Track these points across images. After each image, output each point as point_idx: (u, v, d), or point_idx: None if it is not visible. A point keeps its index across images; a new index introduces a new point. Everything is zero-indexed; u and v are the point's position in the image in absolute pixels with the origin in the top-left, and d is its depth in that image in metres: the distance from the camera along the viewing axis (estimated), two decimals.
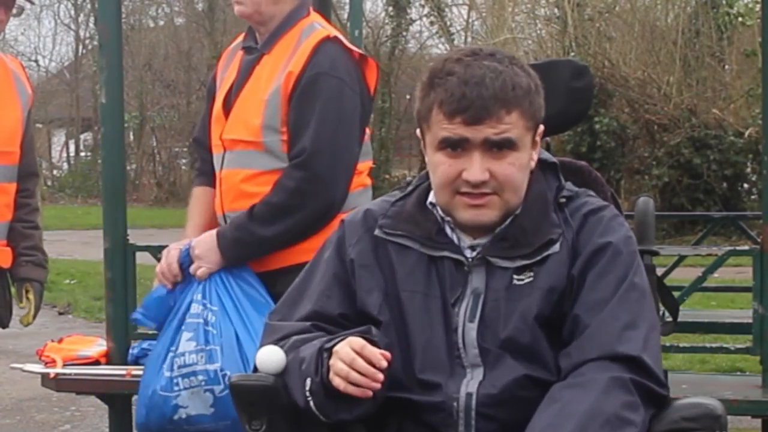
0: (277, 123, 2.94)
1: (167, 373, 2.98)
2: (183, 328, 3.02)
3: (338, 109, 2.92)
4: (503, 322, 1.94)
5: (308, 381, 1.92)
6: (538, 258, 1.96)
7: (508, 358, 1.93)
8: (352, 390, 1.87)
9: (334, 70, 2.92)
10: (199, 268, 3.01)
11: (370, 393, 1.88)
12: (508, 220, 2.00)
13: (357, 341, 1.88)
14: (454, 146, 1.94)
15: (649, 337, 1.91)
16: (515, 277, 1.97)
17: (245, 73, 3.05)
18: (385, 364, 1.87)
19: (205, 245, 3.00)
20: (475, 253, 2.00)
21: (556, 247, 1.96)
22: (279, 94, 2.93)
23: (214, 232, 3.02)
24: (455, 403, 1.93)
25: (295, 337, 2.01)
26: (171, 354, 3.00)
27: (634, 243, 2.00)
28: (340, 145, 2.92)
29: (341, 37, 3.01)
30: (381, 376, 1.86)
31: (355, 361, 1.85)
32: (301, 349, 1.97)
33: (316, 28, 3.00)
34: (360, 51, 3.06)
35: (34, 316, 3.70)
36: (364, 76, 3.01)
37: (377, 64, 3.12)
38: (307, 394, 1.92)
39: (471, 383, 1.94)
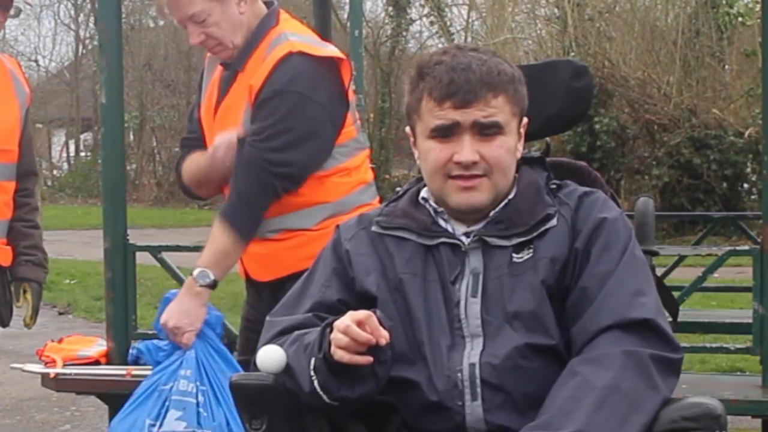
0: None
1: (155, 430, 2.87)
2: (169, 404, 2.91)
3: (296, 123, 2.89)
4: (509, 295, 1.98)
5: (312, 360, 1.93)
6: (536, 234, 2.01)
7: (508, 329, 1.96)
8: (349, 359, 1.87)
9: (292, 85, 2.88)
10: (183, 335, 2.94)
11: (369, 359, 1.88)
12: (502, 204, 2.05)
13: (360, 312, 1.90)
14: (446, 132, 2.00)
15: (658, 302, 1.98)
16: (514, 255, 2.01)
17: (224, 91, 3.04)
18: (383, 341, 1.88)
19: (177, 306, 2.94)
20: (470, 239, 2.04)
21: (554, 222, 2.02)
22: (249, 111, 2.94)
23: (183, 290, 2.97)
24: (459, 374, 1.95)
25: (297, 332, 2.03)
26: (152, 428, 2.88)
27: (628, 221, 2.07)
28: (281, 152, 2.90)
29: (306, 47, 2.93)
30: (373, 340, 1.86)
31: (349, 327, 1.87)
32: (305, 336, 1.99)
33: (282, 41, 2.94)
34: (331, 53, 2.98)
35: (32, 317, 3.69)
36: (338, 77, 2.96)
37: (350, 63, 3.07)
38: (311, 373, 1.92)
39: (472, 353, 1.96)
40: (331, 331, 1.92)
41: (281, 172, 2.89)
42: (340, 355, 1.88)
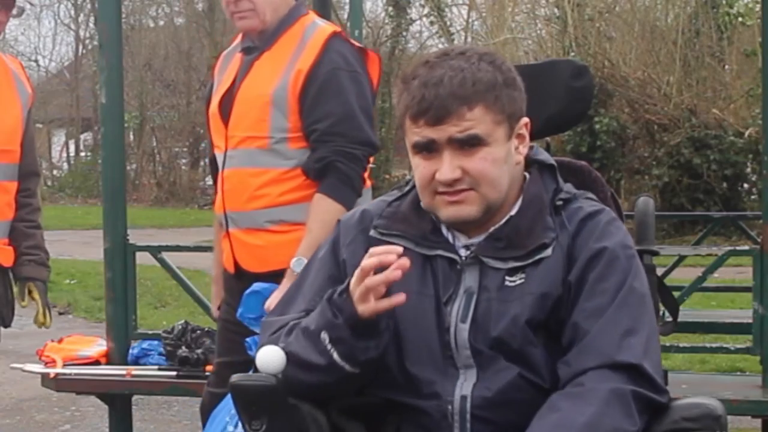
0: (284, 120, 2.94)
1: (230, 428, 2.83)
2: None
3: (361, 102, 2.96)
4: (494, 322, 1.93)
5: (324, 336, 1.91)
6: (530, 261, 1.95)
7: (501, 360, 1.92)
8: (388, 303, 1.86)
9: (349, 64, 2.95)
10: None
11: (403, 297, 1.87)
12: (503, 220, 2.00)
13: (364, 263, 1.87)
14: (426, 148, 1.95)
15: (649, 342, 1.90)
16: (507, 278, 1.95)
17: (245, 72, 3.04)
18: (397, 252, 1.86)
19: (279, 293, 2.84)
20: (468, 252, 2.00)
21: (548, 252, 1.95)
22: (286, 91, 2.93)
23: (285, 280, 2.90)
24: (450, 407, 1.92)
25: (292, 321, 2.02)
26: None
27: (631, 246, 1.98)
28: (363, 131, 2.96)
29: (343, 34, 3.04)
30: (394, 261, 1.84)
31: (367, 275, 1.85)
32: (302, 321, 1.97)
33: (319, 25, 3.03)
34: (362, 45, 3.10)
35: (44, 314, 3.69)
36: (367, 69, 3.05)
37: (379, 57, 3.13)
38: (329, 347, 1.90)
39: (465, 385, 1.93)
40: (348, 296, 1.89)
41: (365, 149, 2.95)
42: (372, 307, 1.86)
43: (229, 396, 2.86)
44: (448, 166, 1.92)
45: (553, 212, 2.00)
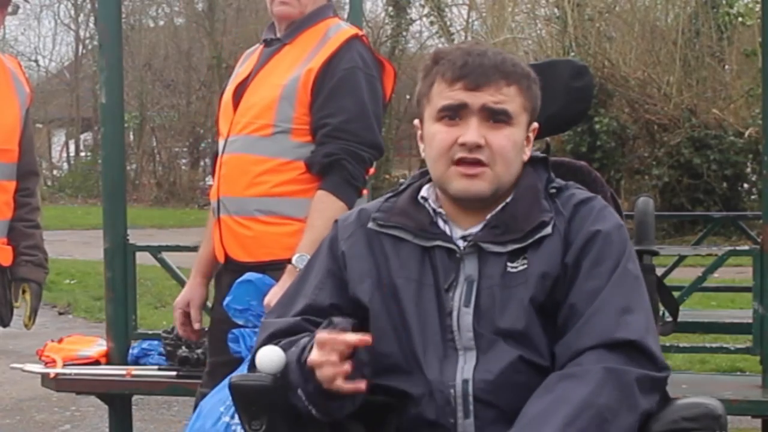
0: (290, 110, 2.95)
1: (225, 418, 2.81)
2: None
3: (374, 105, 2.97)
4: (499, 310, 1.95)
5: (301, 393, 1.94)
6: (531, 241, 1.98)
7: (502, 343, 1.94)
8: (348, 388, 1.89)
9: (367, 66, 2.98)
10: None
11: (363, 386, 1.90)
12: (499, 207, 2.03)
13: (312, 358, 1.89)
14: (453, 114, 1.99)
15: (648, 319, 1.94)
16: (509, 264, 1.98)
17: (263, 63, 3.07)
18: (366, 341, 1.88)
19: (280, 289, 2.81)
20: (466, 243, 2.02)
21: (549, 230, 1.98)
22: (297, 83, 2.95)
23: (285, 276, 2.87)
24: (452, 391, 1.94)
25: (284, 341, 2.02)
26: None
27: (625, 231, 2.02)
28: (374, 133, 2.98)
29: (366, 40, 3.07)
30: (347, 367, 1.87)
31: (320, 366, 1.88)
32: (289, 353, 1.98)
33: (343, 27, 3.06)
34: (380, 56, 3.11)
35: (31, 318, 3.69)
36: (382, 79, 3.07)
37: (395, 70, 3.14)
38: (306, 403, 1.94)
39: (465, 368, 1.94)
40: (311, 370, 1.91)
41: (372, 152, 2.97)
42: (336, 387, 1.89)
43: (219, 387, 2.87)
44: (474, 131, 1.97)
45: (548, 198, 2.05)
